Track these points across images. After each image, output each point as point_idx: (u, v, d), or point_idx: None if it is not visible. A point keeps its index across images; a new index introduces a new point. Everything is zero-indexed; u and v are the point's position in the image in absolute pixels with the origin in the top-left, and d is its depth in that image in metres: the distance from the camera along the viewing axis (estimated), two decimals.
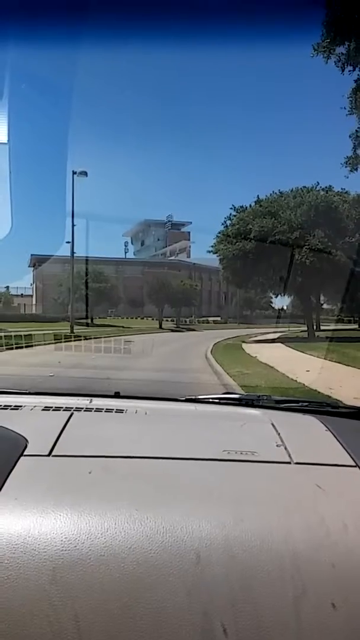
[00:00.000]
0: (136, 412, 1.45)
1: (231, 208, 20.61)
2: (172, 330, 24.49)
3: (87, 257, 23.10)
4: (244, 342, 17.45)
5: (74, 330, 17.48)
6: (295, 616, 0.73)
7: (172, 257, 36.06)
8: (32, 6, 2.23)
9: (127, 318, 27.15)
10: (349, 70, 11.84)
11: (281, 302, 28.96)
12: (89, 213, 30.05)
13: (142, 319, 27.53)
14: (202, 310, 30.83)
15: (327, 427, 1.29)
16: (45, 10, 2.26)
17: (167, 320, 26.23)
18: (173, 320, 26.86)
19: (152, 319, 26.70)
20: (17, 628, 0.70)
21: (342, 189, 20.78)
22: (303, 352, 13.38)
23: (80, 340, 11.78)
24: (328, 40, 10.98)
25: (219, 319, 30.53)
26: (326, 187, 20.90)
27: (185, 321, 27.97)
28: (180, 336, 22.09)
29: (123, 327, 22.58)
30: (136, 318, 27.66)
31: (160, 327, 24.91)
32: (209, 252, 21.19)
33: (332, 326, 22.57)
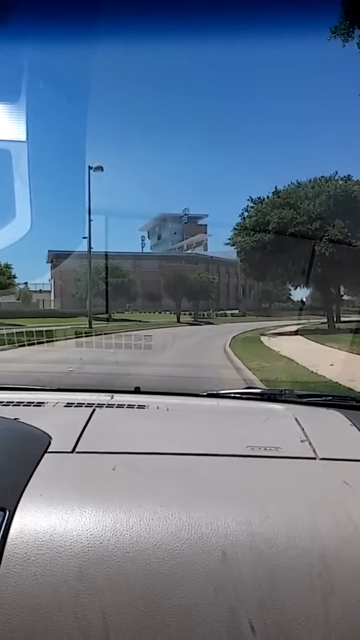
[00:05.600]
0: (158, 408, 1.45)
1: (248, 200, 20.38)
2: (190, 324, 24.47)
3: (104, 252, 23.21)
4: (262, 334, 17.34)
5: (92, 325, 17.61)
6: (323, 613, 0.72)
7: (189, 251, 35.93)
8: (49, 4, 2.23)
9: (144, 312, 27.22)
10: None
11: (300, 294, 28.56)
12: (106, 209, 30.14)
13: (160, 312, 27.56)
14: (220, 304, 30.70)
15: (351, 421, 1.27)
16: (63, 8, 2.25)
17: (184, 314, 26.22)
18: (191, 314, 26.84)
19: (170, 313, 26.71)
20: (45, 624, 0.71)
21: None
22: (323, 344, 13.23)
23: (99, 335, 11.86)
24: (347, 22, 10.67)
25: (237, 311, 30.40)
26: (345, 177, 20.54)
27: (203, 314, 27.92)
28: (198, 330, 22.06)
29: (141, 321, 22.65)
30: (154, 312, 27.71)
31: (178, 320, 24.92)
32: (227, 244, 21.07)
33: (353, 318, 22.24)
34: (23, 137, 2.33)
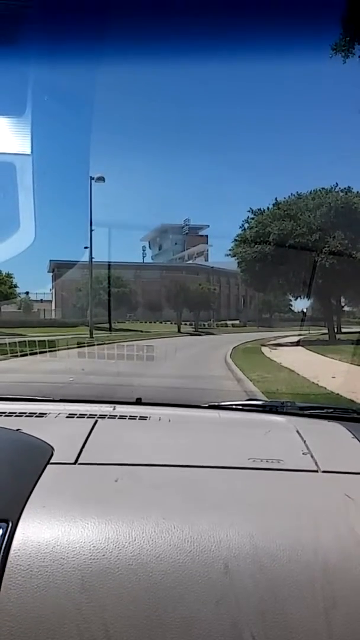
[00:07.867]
0: (160, 419, 1.45)
1: (249, 211, 20.52)
2: (191, 334, 24.45)
3: (106, 262, 23.33)
4: (263, 345, 17.32)
5: (93, 335, 17.61)
6: (326, 627, 0.72)
7: (190, 261, 35.98)
8: (54, 21, 2.28)
9: (145, 322, 27.23)
10: None
11: (301, 305, 28.60)
12: (108, 219, 30.33)
13: (161, 323, 27.55)
14: (220, 314, 30.70)
15: (353, 434, 1.28)
16: (68, 26, 2.30)
17: (185, 324, 26.19)
18: (191, 324, 26.82)
19: (171, 323, 26.69)
20: (47, 636, 0.71)
21: None
22: (324, 355, 13.21)
23: (101, 345, 11.86)
24: (347, 38, 10.76)
25: (237, 322, 30.37)
26: (345, 189, 20.66)
27: (204, 325, 27.90)
28: (199, 340, 22.05)
29: (142, 331, 22.65)
30: (155, 322, 27.69)
31: (179, 331, 24.90)
32: (227, 255, 21.20)
33: (354, 329, 22.23)
34: (28, 151, 2.38)
